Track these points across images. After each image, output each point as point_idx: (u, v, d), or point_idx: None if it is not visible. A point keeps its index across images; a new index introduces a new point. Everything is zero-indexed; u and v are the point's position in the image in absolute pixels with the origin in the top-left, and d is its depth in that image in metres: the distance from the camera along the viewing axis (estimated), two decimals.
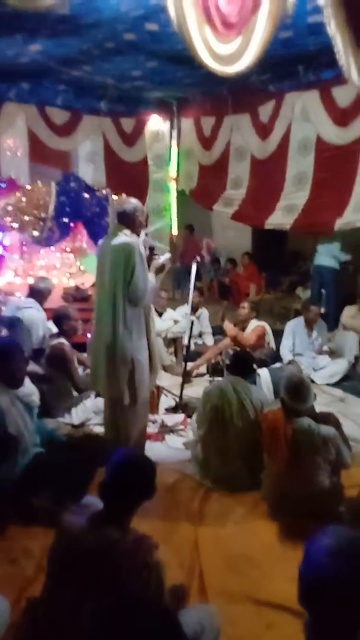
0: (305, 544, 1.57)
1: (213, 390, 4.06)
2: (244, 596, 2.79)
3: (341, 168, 6.75)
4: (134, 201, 3.96)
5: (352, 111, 6.53)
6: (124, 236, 3.78)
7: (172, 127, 8.82)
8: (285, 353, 6.28)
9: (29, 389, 3.81)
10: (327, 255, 7.93)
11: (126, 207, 3.88)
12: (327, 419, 3.75)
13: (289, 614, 2.57)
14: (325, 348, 6.46)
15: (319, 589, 1.48)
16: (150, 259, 3.87)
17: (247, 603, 2.75)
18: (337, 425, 3.74)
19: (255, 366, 4.72)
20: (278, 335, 6.39)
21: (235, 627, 2.55)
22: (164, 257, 4.19)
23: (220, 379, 5.09)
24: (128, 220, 3.86)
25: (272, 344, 6.27)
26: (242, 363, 4.25)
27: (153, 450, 4.30)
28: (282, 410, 3.49)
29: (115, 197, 7.17)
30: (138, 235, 3.91)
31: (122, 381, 3.79)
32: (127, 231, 3.82)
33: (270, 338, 6.25)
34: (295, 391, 3.44)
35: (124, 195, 6.30)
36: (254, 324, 6.15)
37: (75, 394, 4.87)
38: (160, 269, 4.11)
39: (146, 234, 4.09)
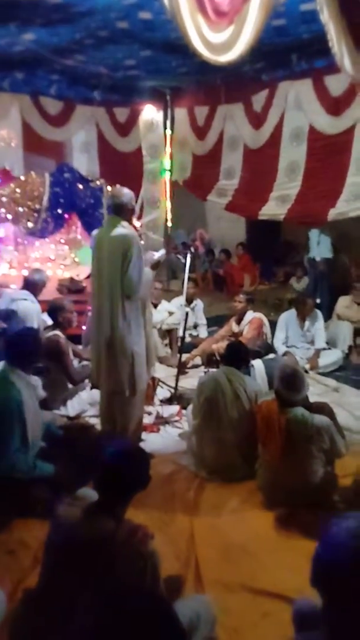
0: (323, 527, 1.57)
1: (207, 381, 4.06)
2: (240, 586, 2.80)
3: (334, 158, 6.72)
4: (127, 192, 3.93)
5: (345, 100, 6.50)
6: (122, 228, 3.76)
7: (165, 117, 8.77)
8: (279, 345, 6.26)
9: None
10: (320, 246, 7.92)
11: (124, 199, 3.86)
12: (322, 408, 3.77)
13: (284, 603, 2.58)
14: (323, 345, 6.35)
15: (337, 570, 1.48)
16: None
17: (242, 592, 2.76)
18: (331, 415, 3.76)
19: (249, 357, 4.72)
20: (271, 326, 6.38)
21: (231, 616, 2.56)
22: (158, 254, 4.18)
23: (215, 370, 5.08)
24: (125, 212, 3.85)
25: (269, 335, 6.28)
26: (236, 354, 4.24)
27: (149, 441, 4.32)
28: (276, 401, 3.50)
29: (109, 188, 7.14)
30: (130, 222, 3.89)
31: (122, 374, 3.79)
32: (124, 223, 3.80)
33: (267, 329, 6.25)
34: (289, 382, 3.45)
35: (117, 186, 6.28)
36: (250, 315, 6.15)
37: (70, 385, 4.86)
38: (155, 266, 4.09)
39: (141, 225, 4.08)
